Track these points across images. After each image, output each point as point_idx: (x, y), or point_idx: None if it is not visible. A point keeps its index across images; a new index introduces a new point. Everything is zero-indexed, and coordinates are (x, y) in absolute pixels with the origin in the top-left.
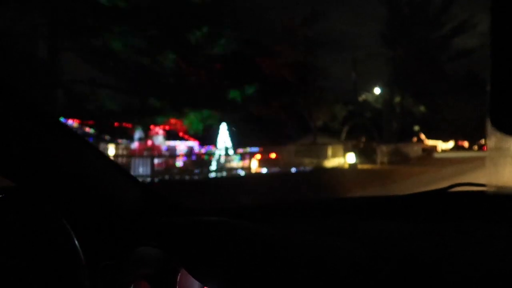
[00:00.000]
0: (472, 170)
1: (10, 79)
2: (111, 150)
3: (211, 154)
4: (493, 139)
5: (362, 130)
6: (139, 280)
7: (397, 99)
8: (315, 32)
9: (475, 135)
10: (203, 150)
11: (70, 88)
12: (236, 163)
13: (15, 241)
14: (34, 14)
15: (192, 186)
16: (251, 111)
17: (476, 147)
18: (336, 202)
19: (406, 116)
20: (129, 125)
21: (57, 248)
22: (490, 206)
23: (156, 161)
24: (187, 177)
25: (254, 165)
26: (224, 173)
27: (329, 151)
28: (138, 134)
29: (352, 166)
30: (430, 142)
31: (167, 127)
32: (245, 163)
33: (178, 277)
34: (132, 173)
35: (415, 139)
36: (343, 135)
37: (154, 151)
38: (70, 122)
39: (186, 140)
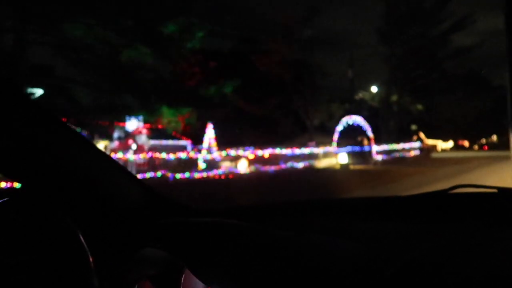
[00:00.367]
0: (469, 171)
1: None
2: None
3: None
4: None
5: (358, 129)
6: (144, 280)
7: (394, 97)
8: (312, 29)
9: (476, 134)
10: (195, 150)
11: (38, 82)
12: (223, 163)
13: (22, 242)
14: None
15: (163, 187)
16: (238, 108)
17: (476, 147)
18: (338, 202)
19: (404, 115)
20: (105, 123)
21: (65, 249)
22: (491, 208)
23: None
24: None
25: (243, 165)
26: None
27: (320, 152)
28: (117, 133)
29: (343, 166)
30: (430, 141)
31: (159, 126)
32: (234, 163)
33: (182, 277)
34: None
35: (415, 138)
36: (336, 134)
37: (137, 151)
38: None
39: (179, 139)
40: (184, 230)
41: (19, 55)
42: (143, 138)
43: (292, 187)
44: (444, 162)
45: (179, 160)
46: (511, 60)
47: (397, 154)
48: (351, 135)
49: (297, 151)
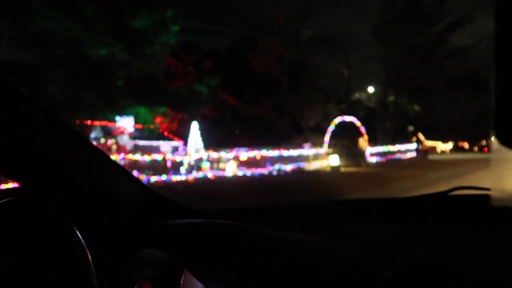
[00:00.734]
0: (464, 174)
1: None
2: None
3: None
4: (497, 152)
5: (352, 130)
6: (143, 281)
7: (391, 98)
8: (308, 28)
9: (476, 136)
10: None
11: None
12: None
13: (23, 243)
14: None
15: None
16: (233, 108)
17: (476, 148)
18: (336, 203)
19: (401, 116)
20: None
21: (64, 249)
22: (489, 210)
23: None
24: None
25: (231, 167)
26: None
27: (310, 153)
28: (94, 133)
29: (334, 169)
30: (429, 143)
31: (151, 126)
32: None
33: (182, 278)
34: None
35: (413, 139)
36: (328, 135)
37: (118, 152)
38: None
39: (171, 140)
40: (183, 231)
41: None
42: (125, 139)
43: (272, 191)
44: (440, 164)
45: (165, 161)
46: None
47: (392, 156)
48: (345, 136)
49: (285, 152)
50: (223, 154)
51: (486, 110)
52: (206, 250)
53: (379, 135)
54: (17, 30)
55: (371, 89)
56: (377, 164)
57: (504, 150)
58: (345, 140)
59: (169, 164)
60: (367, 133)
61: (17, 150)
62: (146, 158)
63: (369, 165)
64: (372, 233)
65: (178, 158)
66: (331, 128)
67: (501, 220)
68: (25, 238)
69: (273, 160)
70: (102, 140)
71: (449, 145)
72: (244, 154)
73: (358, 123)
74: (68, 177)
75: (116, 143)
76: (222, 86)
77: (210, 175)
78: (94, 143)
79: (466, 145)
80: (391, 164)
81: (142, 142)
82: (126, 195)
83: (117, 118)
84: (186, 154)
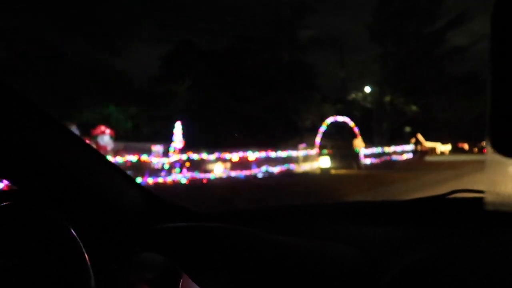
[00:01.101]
0: (461, 177)
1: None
2: None
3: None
4: (491, 156)
5: (346, 131)
6: (142, 284)
7: (387, 98)
8: (304, 28)
9: (476, 136)
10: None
11: None
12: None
13: (20, 246)
14: None
15: None
16: (229, 108)
17: (476, 150)
18: (335, 206)
19: (398, 116)
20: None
21: (62, 252)
22: (488, 213)
23: None
24: None
25: (218, 169)
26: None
27: (300, 155)
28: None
29: (324, 171)
30: (428, 144)
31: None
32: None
33: (180, 282)
34: None
35: (412, 140)
36: (318, 136)
37: None
38: None
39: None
40: (181, 235)
41: None
42: (105, 139)
43: (248, 194)
44: (438, 166)
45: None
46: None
47: (388, 158)
48: (338, 137)
49: (273, 154)
50: (204, 155)
51: (485, 110)
52: (204, 254)
53: (376, 136)
54: None
55: (367, 89)
56: (371, 166)
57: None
58: (338, 141)
59: (158, 165)
60: (363, 134)
61: (15, 152)
62: (119, 159)
63: (361, 167)
64: (370, 236)
65: (155, 160)
66: (322, 128)
67: (499, 224)
68: (22, 241)
69: (260, 162)
70: None
71: (449, 146)
72: (229, 155)
73: (351, 123)
74: (66, 179)
75: (96, 143)
76: (217, 85)
77: (184, 179)
78: None
79: (466, 146)
80: (385, 166)
81: (132, 143)
82: (125, 198)
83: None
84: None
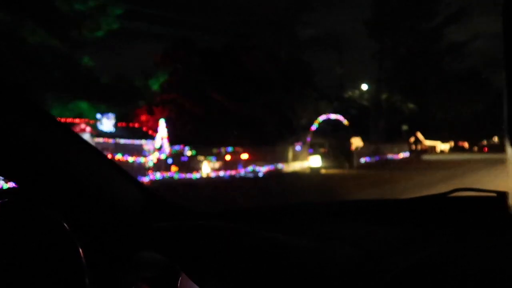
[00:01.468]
0: (457, 176)
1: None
2: None
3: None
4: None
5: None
6: (140, 283)
7: (384, 95)
8: (301, 25)
9: (476, 135)
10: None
11: None
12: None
13: (16, 244)
14: None
15: None
16: (223, 106)
17: (476, 148)
18: (335, 204)
19: (395, 114)
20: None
21: (58, 251)
22: (489, 212)
23: None
24: None
25: (206, 168)
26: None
27: (290, 154)
28: None
29: (314, 171)
30: (428, 143)
31: (136, 125)
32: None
33: (179, 281)
34: None
35: (412, 139)
36: (309, 134)
37: None
38: None
39: (154, 138)
40: (180, 234)
41: None
42: (85, 137)
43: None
44: (434, 165)
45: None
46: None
47: (384, 156)
48: (332, 135)
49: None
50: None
51: (486, 109)
52: (203, 252)
53: (372, 134)
54: None
55: (365, 87)
56: (365, 165)
57: None
58: (330, 139)
59: (150, 164)
60: (360, 132)
61: (13, 150)
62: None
63: (353, 166)
64: (371, 235)
65: (141, 159)
66: (314, 126)
67: (502, 222)
68: (18, 239)
69: (251, 161)
70: None
71: (449, 145)
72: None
73: (345, 121)
74: (65, 177)
75: None
76: (212, 83)
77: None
78: None
79: (466, 145)
80: (380, 165)
81: (123, 141)
82: (124, 196)
83: (98, 115)
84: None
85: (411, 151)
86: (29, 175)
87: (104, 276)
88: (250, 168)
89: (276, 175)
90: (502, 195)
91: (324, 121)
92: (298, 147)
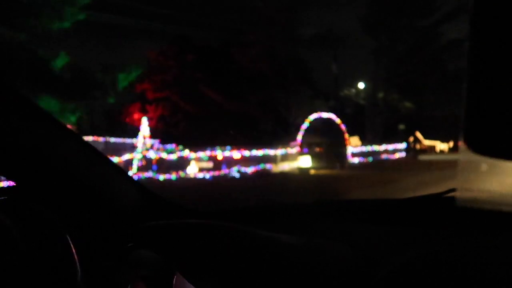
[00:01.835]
0: (450, 178)
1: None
2: None
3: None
4: (465, 155)
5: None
6: (136, 281)
7: (381, 94)
8: (296, 22)
9: None
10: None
11: None
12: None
13: (12, 242)
14: None
15: None
16: (217, 104)
17: None
18: (332, 204)
19: (391, 113)
20: None
21: (52, 250)
22: (484, 212)
23: None
24: None
25: (193, 168)
26: None
27: (278, 153)
28: None
29: (303, 171)
30: (427, 142)
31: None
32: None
33: (174, 279)
34: None
35: (411, 138)
36: (299, 134)
37: None
38: None
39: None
40: (175, 232)
41: None
42: None
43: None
44: (430, 166)
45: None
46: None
47: (380, 156)
48: (323, 134)
49: (247, 153)
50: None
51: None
52: (197, 251)
53: (368, 134)
54: None
55: (361, 85)
56: (358, 165)
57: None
58: (321, 138)
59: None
60: (355, 131)
61: (12, 148)
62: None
63: (344, 167)
64: (366, 235)
65: (126, 157)
66: (305, 125)
67: (496, 223)
68: (13, 238)
69: (232, 162)
70: None
71: (449, 145)
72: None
73: (337, 120)
74: (61, 175)
75: None
76: (206, 80)
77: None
78: None
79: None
80: (374, 165)
81: (113, 139)
82: (120, 194)
83: None
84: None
85: (407, 151)
86: (28, 173)
87: (100, 274)
88: (235, 168)
89: (260, 175)
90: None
91: (315, 119)
92: (294, 147)
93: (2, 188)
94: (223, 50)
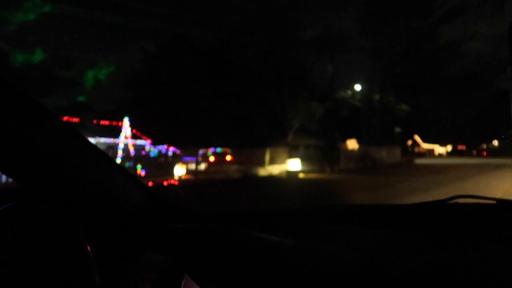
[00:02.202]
0: (445, 183)
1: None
2: None
3: None
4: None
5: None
6: (144, 284)
7: (376, 96)
8: (293, 23)
9: (475, 139)
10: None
11: None
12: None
13: (25, 247)
14: None
15: None
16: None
17: (475, 152)
18: (337, 208)
19: (388, 115)
20: None
21: (67, 253)
22: (489, 219)
23: None
24: None
25: (179, 171)
26: None
27: (267, 156)
28: None
29: (291, 174)
30: (426, 146)
31: (120, 123)
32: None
33: (182, 282)
34: None
35: (409, 142)
36: (290, 136)
37: None
38: None
39: (138, 137)
40: (184, 236)
41: None
42: None
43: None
44: (425, 170)
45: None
46: None
47: (370, 160)
48: (317, 137)
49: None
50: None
51: (485, 112)
52: (206, 255)
53: (364, 136)
54: None
55: (358, 87)
56: (351, 169)
57: None
58: (315, 140)
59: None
60: (351, 134)
61: (20, 151)
62: None
63: (334, 170)
64: (370, 240)
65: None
66: (294, 128)
67: (501, 229)
68: (27, 243)
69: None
70: None
71: (448, 148)
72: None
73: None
74: (70, 178)
75: None
76: (202, 81)
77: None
78: None
79: (464, 148)
80: (366, 169)
81: (103, 140)
82: (129, 197)
83: None
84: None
85: (404, 154)
86: (34, 175)
87: (108, 277)
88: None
89: (246, 179)
90: (502, 203)
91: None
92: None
93: (11, 191)
94: (220, 51)
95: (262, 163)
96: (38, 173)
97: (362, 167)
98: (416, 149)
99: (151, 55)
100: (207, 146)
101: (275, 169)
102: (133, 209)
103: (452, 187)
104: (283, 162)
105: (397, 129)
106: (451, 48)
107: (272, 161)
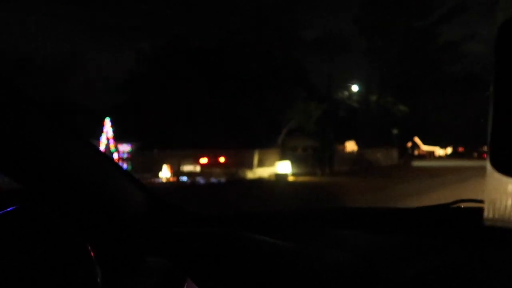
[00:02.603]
0: (435, 188)
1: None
2: None
3: None
4: (492, 175)
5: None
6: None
7: (374, 97)
8: (291, 23)
9: (476, 141)
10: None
11: None
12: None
13: (30, 249)
14: None
15: None
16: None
17: (476, 154)
18: (339, 211)
19: (385, 116)
20: None
21: (71, 258)
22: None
23: None
24: None
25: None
26: None
27: (255, 158)
28: None
29: (280, 177)
30: (426, 148)
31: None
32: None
33: (185, 286)
34: None
35: (409, 144)
36: (281, 138)
37: None
38: None
39: (126, 142)
40: (187, 240)
41: None
42: None
43: None
44: (422, 173)
45: None
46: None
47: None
48: (311, 138)
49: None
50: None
51: (484, 113)
52: (208, 259)
53: (362, 137)
54: None
55: (355, 88)
56: (347, 171)
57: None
58: (307, 142)
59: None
60: (349, 135)
61: (21, 152)
62: None
63: (326, 172)
64: (372, 244)
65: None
66: (285, 129)
67: (503, 235)
68: (30, 247)
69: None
70: None
71: (449, 150)
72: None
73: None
74: (72, 179)
75: None
76: (197, 80)
77: None
78: None
79: (465, 150)
80: (361, 171)
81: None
82: (131, 200)
83: None
84: None
85: (400, 156)
86: (37, 178)
87: (111, 280)
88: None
89: (228, 183)
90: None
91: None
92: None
93: (11, 193)
94: (217, 50)
95: (250, 166)
96: (40, 175)
97: (356, 170)
98: (416, 151)
99: (147, 56)
100: (202, 147)
101: (264, 172)
102: (135, 211)
103: (450, 190)
104: (274, 164)
105: (395, 131)
106: (451, 48)
107: (262, 163)
